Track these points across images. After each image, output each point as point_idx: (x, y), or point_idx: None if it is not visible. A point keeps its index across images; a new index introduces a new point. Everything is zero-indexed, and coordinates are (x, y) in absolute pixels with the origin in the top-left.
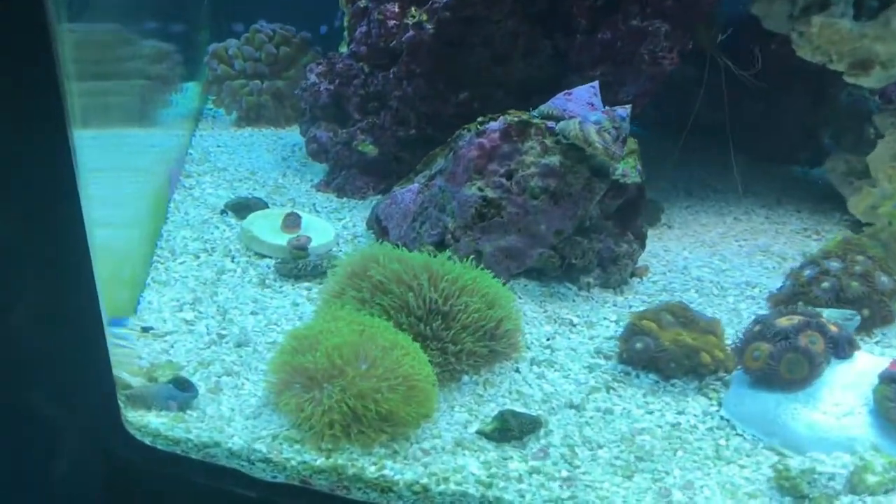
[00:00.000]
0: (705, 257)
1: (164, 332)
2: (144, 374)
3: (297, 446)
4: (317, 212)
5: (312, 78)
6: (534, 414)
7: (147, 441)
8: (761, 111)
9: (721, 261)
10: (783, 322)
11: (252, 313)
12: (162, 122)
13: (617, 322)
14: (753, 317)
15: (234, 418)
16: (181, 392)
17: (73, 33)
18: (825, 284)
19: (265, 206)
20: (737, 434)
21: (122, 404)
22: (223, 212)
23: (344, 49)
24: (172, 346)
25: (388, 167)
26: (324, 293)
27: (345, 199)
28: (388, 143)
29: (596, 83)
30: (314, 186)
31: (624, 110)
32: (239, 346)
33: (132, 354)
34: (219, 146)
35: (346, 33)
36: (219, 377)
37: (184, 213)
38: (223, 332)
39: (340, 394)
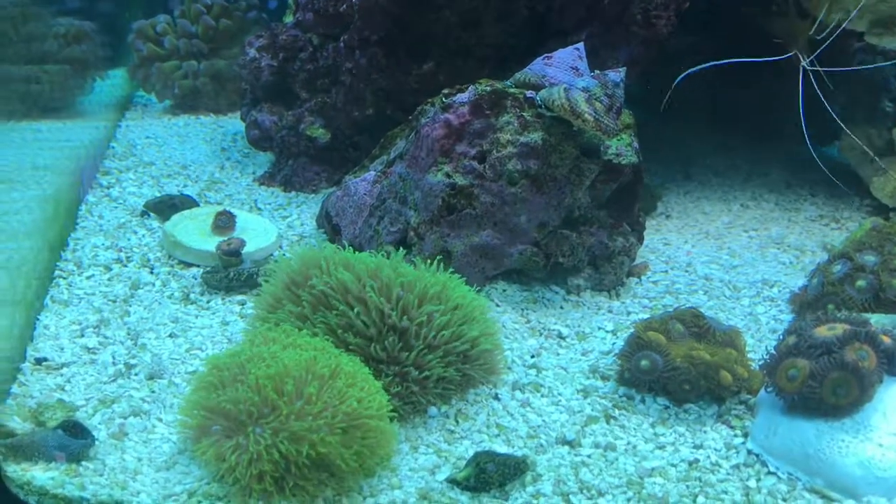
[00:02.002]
0: (712, 251)
1: (61, 364)
2: (31, 416)
3: None
4: (258, 209)
5: (252, 53)
6: (518, 454)
7: (32, 502)
8: (764, 83)
9: (730, 255)
10: (823, 332)
11: (170, 336)
12: (77, 113)
13: (614, 332)
14: (773, 322)
15: (141, 470)
16: (72, 439)
17: None
18: (860, 283)
19: (195, 204)
20: (769, 472)
21: (0, 457)
22: (144, 213)
23: (289, 19)
24: (69, 381)
25: (342, 154)
26: (257, 308)
27: (293, 194)
28: (341, 126)
29: (581, 44)
30: (257, 180)
31: (617, 74)
32: (151, 378)
33: (24, 393)
34: (147, 138)
35: (291, 0)
36: (124, 418)
37: (97, 217)
38: (132, 362)
39: (271, 438)
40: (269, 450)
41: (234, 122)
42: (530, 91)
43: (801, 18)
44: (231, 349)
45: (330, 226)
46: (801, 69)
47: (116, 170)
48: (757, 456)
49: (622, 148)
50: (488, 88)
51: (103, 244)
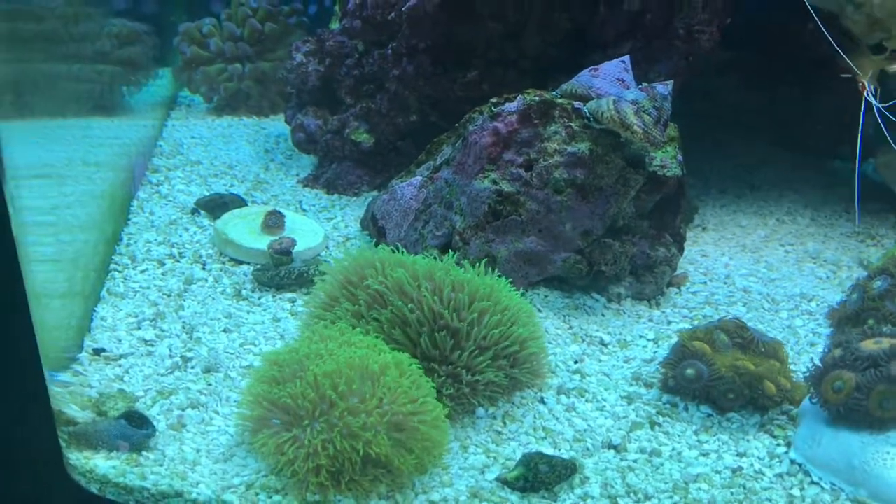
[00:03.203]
0: (749, 264)
1: (119, 355)
2: (92, 406)
3: (276, 497)
4: (303, 210)
5: (299, 58)
6: (565, 456)
7: (94, 489)
8: (799, 99)
9: (767, 268)
10: (870, 345)
11: (224, 331)
12: (125, 111)
13: (655, 341)
14: (811, 335)
15: (199, 461)
16: (134, 429)
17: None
18: None
19: (243, 204)
20: (812, 482)
21: (63, 444)
22: (194, 211)
23: (335, 25)
24: (127, 372)
25: (385, 159)
26: (311, 306)
27: (336, 196)
28: (385, 131)
29: (627, 57)
30: (301, 182)
31: (665, 87)
32: (207, 371)
33: (81, 382)
34: (193, 137)
35: (337, 7)
36: (182, 410)
37: (148, 214)
38: (189, 355)
39: (328, 433)
40: (326, 445)
41: (275, 125)
42: (577, 102)
43: (874, 52)
44: (289, 345)
45: (375, 228)
46: (864, 100)
47: (165, 168)
48: (800, 465)
49: (667, 160)
50: (537, 98)
51: (156, 240)
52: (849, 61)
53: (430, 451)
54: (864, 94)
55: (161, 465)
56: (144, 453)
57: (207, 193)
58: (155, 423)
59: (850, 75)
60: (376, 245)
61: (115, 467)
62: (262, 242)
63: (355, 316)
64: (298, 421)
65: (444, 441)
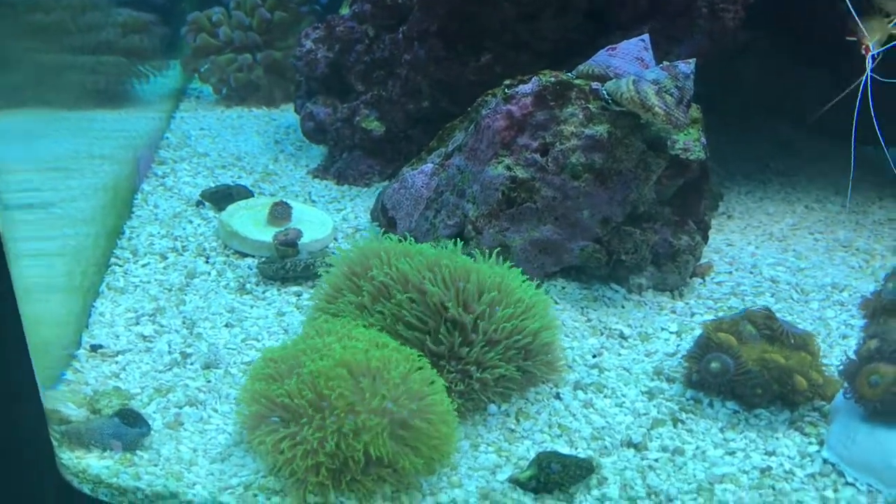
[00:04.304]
0: (776, 253)
1: (116, 352)
2: (87, 404)
3: (275, 499)
4: (312, 202)
5: (308, 44)
6: (582, 456)
7: (86, 490)
8: (827, 81)
9: (796, 258)
10: None
11: (226, 326)
12: (132, 103)
13: (678, 334)
14: (844, 327)
15: (196, 461)
16: (128, 428)
17: None
18: None
19: (249, 195)
20: (847, 483)
21: (56, 443)
22: (199, 203)
23: (345, 10)
24: (124, 369)
25: (396, 147)
26: (315, 299)
27: (346, 187)
28: (396, 119)
29: (646, 35)
30: (310, 172)
31: (687, 65)
32: (207, 367)
33: (78, 380)
34: (202, 129)
35: None
36: (180, 408)
37: (152, 206)
38: (188, 351)
39: (325, 431)
40: (324, 443)
41: (286, 115)
42: (595, 83)
43: (884, 16)
44: (289, 340)
45: (385, 218)
46: (868, 61)
47: (171, 160)
48: (833, 465)
49: (690, 143)
50: (552, 79)
51: (159, 233)
52: (858, 22)
53: (437, 450)
54: (867, 57)
55: (156, 465)
56: (139, 453)
57: (213, 185)
58: (151, 421)
59: (855, 38)
60: (386, 235)
61: (109, 467)
62: (268, 234)
63: (358, 308)
64: (296, 419)
65: (453, 438)
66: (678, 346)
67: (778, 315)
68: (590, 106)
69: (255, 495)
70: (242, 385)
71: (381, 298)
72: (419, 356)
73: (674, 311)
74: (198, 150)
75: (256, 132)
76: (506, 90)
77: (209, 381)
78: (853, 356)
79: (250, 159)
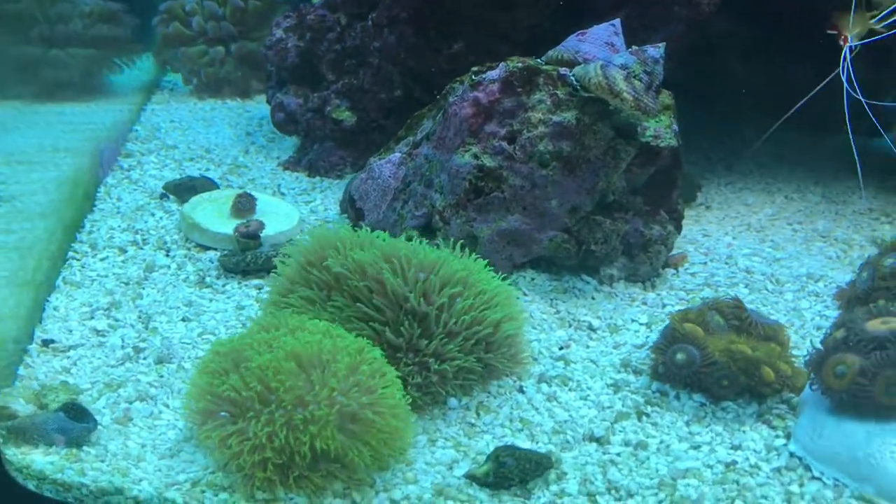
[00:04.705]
0: (754, 244)
1: (68, 346)
2: (34, 399)
3: (223, 495)
4: (282, 194)
5: (278, 34)
6: (542, 450)
7: (31, 486)
8: (810, 72)
9: (773, 248)
10: (876, 326)
11: (183, 320)
12: (101, 95)
13: (648, 325)
14: (818, 318)
15: (144, 457)
16: (74, 423)
17: None
18: None
19: (215, 187)
20: (813, 478)
21: (1, 439)
22: (163, 195)
23: None
24: (75, 364)
25: (369, 138)
26: (271, 292)
27: (317, 179)
28: (368, 109)
29: (617, 21)
30: (281, 164)
31: (656, 49)
32: (160, 362)
33: (29, 375)
34: (172, 121)
35: None
36: (130, 403)
37: (115, 200)
38: (142, 345)
39: (272, 425)
40: (272, 437)
41: (261, 107)
42: (564, 68)
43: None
44: (238, 334)
45: (353, 210)
46: (845, 52)
47: (139, 152)
48: (800, 459)
49: (661, 130)
50: (520, 65)
51: (120, 226)
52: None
53: (388, 444)
54: (845, 48)
55: (102, 461)
56: (86, 448)
57: (179, 177)
58: (99, 416)
59: (835, 31)
60: (354, 228)
61: (54, 463)
62: (231, 227)
63: (312, 301)
64: (244, 413)
65: (406, 433)
66: (648, 337)
67: (749, 305)
68: (558, 92)
69: (203, 491)
70: (190, 379)
71: (336, 289)
72: (372, 347)
73: (645, 303)
74: (167, 142)
75: (228, 124)
76: (473, 77)
77: (161, 376)
78: (819, 346)
79: (220, 151)
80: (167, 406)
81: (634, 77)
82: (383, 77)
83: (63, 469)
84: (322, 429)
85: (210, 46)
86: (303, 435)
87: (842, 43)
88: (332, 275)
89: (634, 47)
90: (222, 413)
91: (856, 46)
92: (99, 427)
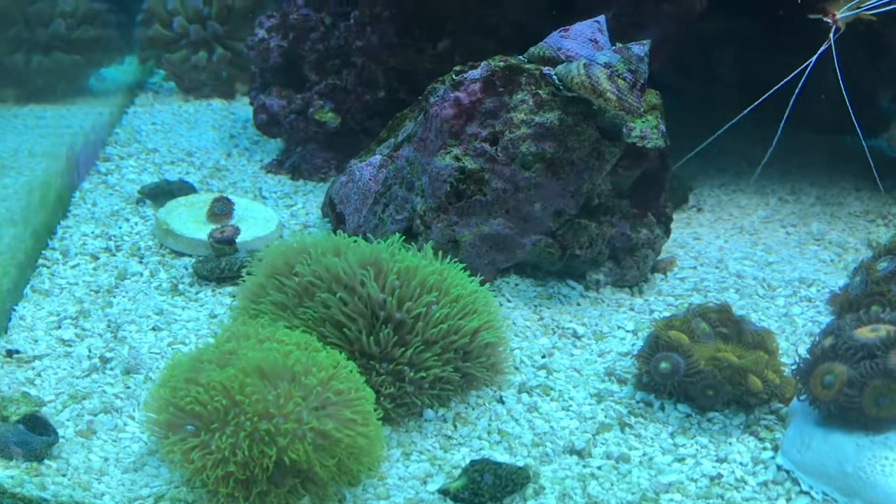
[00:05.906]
0: (746, 247)
1: (33, 357)
2: None
3: None
4: (263, 198)
5: (261, 33)
6: (519, 464)
7: None
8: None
9: (766, 252)
10: (865, 333)
11: (153, 329)
12: (81, 98)
13: (635, 332)
14: (810, 324)
15: (107, 471)
16: (34, 435)
17: None
18: None
19: (193, 191)
20: (802, 492)
21: None
22: (139, 200)
23: None
24: (39, 375)
25: (353, 140)
26: (241, 298)
27: (300, 182)
28: (352, 111)
29: (602, 17)
30: (264, 168)
31: (640, 47)
32: (127, 373)
33: None
34: (154, 124)
35: None
36: (94, 415)
37: (90, 205)
38: (109, 356)
39: (236, 438)
40: (235, 451)
41: (246, 109)
42: (547, 67)
43: None
44: (202, 344)
45: (334, 214)
46: (832, 33)
47: (117, 156)
48: (788, 472)
49: (647, 130)
50: (501, 64)
51: (93, 232)
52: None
53: (357, 459)
54: (831, 31)
55: (64, 475)
56: (47, 462)
57: (156, 181)
58: (62, 429)
59: (819, 16)
60: (335, 232)
61: (13, 476)
62: (206, 232)
63: (282, 308)
64: (207, 426)
65: (377, 446)
66: (633, 345)
67: (738, 312)
68: (540, 92)
69: None
70: (151, 390)
71: (306, 297)
72: (346, 359)
73: (632, 309)
74: (147, 146)
75: (212, 126)
76: (454, 76)
77: (128, 388)
78: (807, 354)
79: (202, 154)
80: (132, 418)
81: (618, 76)
82: (367, 78)
83: (23, 483)
84: (290, 441)
85: (192, 50)
86: (268, 448)
87: (830, 21)
88: (303, 282)
89: (618, 45)
90: (189, 427)
91: (842, 25)
92: (61, 440)
